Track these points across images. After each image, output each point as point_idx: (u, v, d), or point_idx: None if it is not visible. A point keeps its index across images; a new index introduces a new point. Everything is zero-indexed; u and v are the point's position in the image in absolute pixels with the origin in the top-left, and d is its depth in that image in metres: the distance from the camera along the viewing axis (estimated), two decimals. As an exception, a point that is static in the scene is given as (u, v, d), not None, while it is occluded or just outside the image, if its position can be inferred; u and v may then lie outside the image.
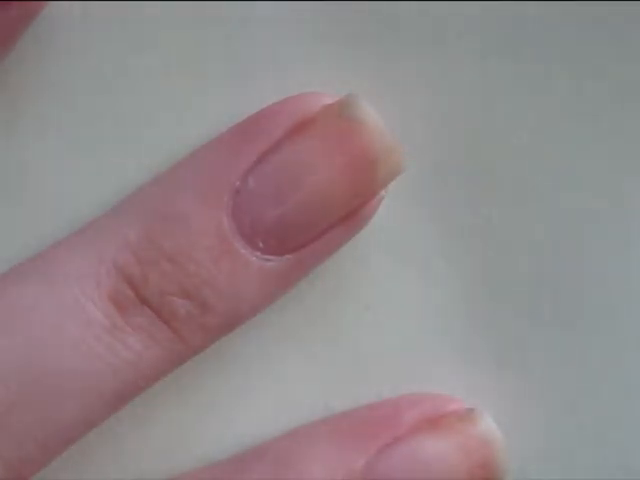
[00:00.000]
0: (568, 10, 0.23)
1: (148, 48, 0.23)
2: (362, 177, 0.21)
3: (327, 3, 0.23)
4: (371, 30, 0.23)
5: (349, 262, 0.23)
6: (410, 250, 0.23)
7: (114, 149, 0.23)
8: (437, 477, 0.22)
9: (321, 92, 0.22)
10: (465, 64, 0.23)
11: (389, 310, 0.23)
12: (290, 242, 0.22)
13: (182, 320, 0.21)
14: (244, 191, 0.21)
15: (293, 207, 0.21)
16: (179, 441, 0.23)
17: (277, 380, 0.23)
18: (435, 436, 0.22)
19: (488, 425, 0.22)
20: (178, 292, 0.21)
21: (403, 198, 0.23)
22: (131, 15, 0.23)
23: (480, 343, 0.24)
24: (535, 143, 0.23)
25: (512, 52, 0.23)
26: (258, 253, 0.22)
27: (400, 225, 0.23)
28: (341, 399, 0.24)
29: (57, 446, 0.21)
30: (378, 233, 0.23)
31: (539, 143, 0.23)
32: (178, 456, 0.23)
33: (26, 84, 0.23)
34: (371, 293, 0.23)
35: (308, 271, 0.23)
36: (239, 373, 0.23)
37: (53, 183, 0.23)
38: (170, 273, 0.21)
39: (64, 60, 0.23)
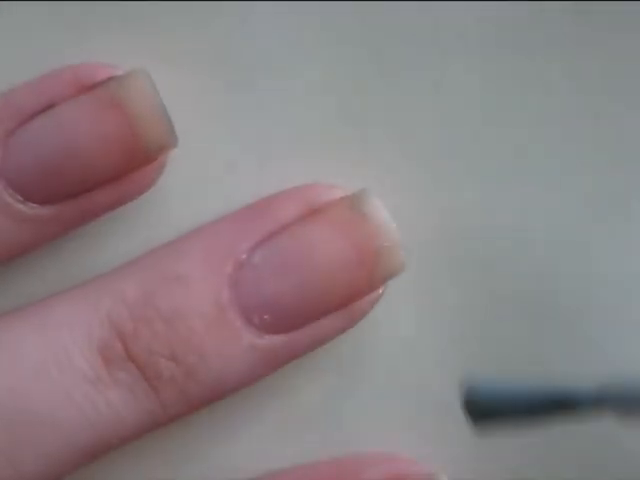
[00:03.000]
0: (568, 10, 0.23)
1: (148, 48, 0.23)
2: (362, 269, 0.22)
3: (327, 3, 0.23)
4: (371, 30, 0.23)
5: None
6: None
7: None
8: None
9: (335, 184, 0.23)
10: (465, 64, 0.23)
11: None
12: (285, 322, 0.22)
13: (165, 382, 0.22)
14: (248, 265, 0.22)
15: (293, 288, 0.22)
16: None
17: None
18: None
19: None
20: (166, 353, 0.21)
21: (401, 197, 0.23)
22: (131, 15, 0.23)
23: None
24: (535, 143, 0.23)
25: (512, 52, 0.23)
26: (252, 328, 0.22)
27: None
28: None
29: None
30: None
31: (539, 143, 0.23)
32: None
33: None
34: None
35: (297, 355, 0.23)
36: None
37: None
38: (162, 334, 0.21)
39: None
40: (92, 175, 0.22)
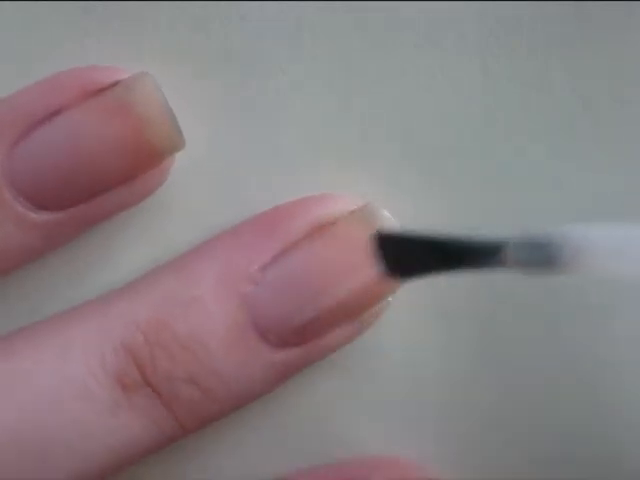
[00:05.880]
0: (568, 10, 0.23)
1: (148, 48, 0.23)
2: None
3: (327, 3, 0.23)
4: (371, 30, 0.23)
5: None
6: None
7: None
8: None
9: (340, 193, 0.23)
10: (465, 64, 0.23)
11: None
12: (301, 338, 0.22)
13: (183, 403, 0.22)
14: (262, 285, 0.22)
15: (307, 305, 0.22)
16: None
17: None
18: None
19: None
20: (184, 377, 0.21)
21: (400, 197, 0.23)
22: (131, 15, 0.23)
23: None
24: (535, 143, 0.23)
25: (511, 52, 0.23)
26: (268, 346, 0.22)
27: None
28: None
29: None
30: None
31: (539, 143, 0.23)
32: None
33: None
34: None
35: (310, 364, 0.23)
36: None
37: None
38: (179, 358, 0.21)
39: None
40: (103, 180, 0.22)
